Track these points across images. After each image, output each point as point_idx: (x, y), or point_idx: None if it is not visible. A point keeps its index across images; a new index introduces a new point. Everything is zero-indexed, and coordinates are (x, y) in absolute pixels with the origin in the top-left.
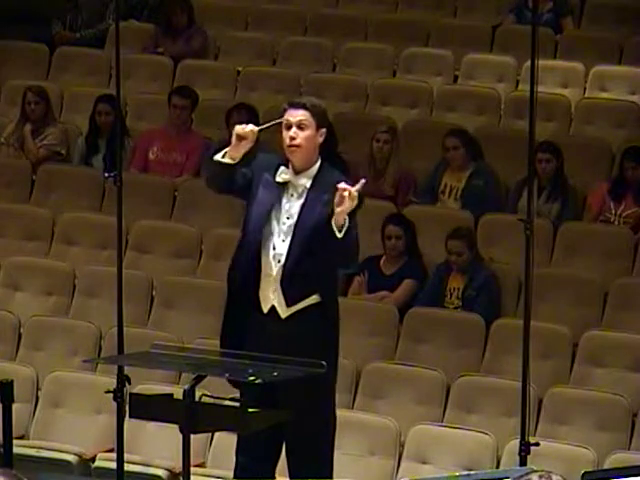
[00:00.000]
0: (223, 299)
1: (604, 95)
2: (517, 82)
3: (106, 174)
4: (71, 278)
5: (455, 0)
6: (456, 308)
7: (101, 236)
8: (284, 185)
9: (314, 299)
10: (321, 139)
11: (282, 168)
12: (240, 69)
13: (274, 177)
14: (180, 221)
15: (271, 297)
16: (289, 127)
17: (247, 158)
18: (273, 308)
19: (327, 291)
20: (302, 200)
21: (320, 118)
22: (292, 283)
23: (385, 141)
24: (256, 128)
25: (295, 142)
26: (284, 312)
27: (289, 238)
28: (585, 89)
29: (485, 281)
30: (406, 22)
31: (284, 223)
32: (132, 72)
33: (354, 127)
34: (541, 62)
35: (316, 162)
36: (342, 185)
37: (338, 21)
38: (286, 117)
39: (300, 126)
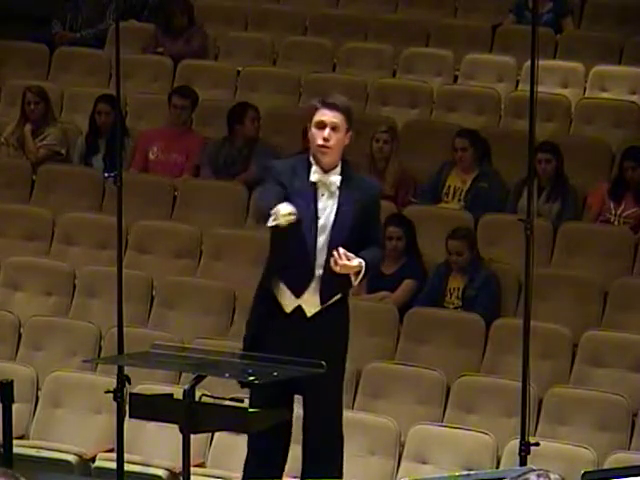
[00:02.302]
0: (223, 299)
1: (604, 95)
2: (517, 82)
3: (106, 174)
4: (71, 278)
5: (455, 0)
6: (456, 308)
7: (101, 236)
8: (315, 185)
9: (338, 295)
10: (347, 141)
11: (314, 167)
12: (240, 69)
13: (307, 178)
14: (180, 221)
15: (303, 296)
16: (322, 127)
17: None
18: (298, 307)
19: (347, 287)
20: (335, 199)
21: (350, 120)
22: (330, 281)
23: (385, 141)
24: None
25: (328, 144)
26: (312, 310)
27: (324, 237)
28: (585, 89)
29: (485, 281)
30: (406, 22)
31: (317, 223)
32: (132, 72)
33: (354, 127)
34: (541, 62)
35: (339, 160)
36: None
37: (338, 21)
38: (319, 117)
39: (333, 128)
